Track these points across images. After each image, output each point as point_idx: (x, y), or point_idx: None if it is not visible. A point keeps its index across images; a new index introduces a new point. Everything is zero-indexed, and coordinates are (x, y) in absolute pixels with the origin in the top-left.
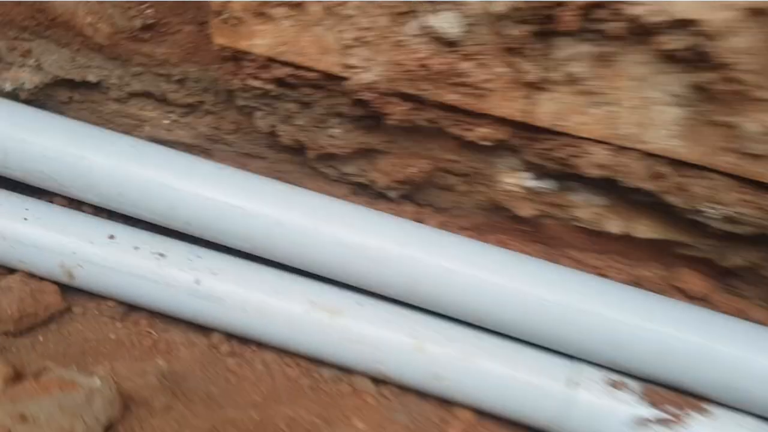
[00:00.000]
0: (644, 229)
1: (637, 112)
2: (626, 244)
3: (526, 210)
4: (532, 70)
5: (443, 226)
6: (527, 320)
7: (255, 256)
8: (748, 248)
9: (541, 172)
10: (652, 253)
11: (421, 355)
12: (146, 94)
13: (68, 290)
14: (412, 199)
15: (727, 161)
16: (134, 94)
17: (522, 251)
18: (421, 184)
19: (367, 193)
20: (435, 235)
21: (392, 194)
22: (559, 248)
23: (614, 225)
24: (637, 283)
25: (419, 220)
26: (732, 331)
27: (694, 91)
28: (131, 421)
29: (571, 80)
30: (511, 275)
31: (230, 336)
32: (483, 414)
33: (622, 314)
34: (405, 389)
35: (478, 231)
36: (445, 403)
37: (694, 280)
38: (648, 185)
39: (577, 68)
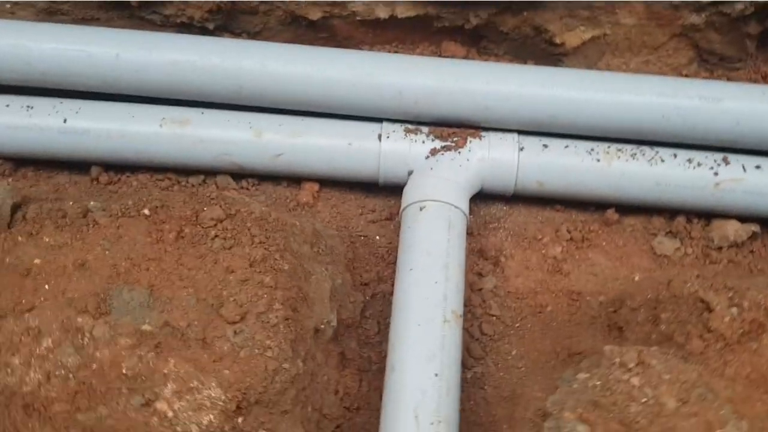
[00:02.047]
0: (402, 9)
1: None
2: (399, 29)
3: (315, 14)
4: None
5: None
6: (336, 95)
7: (108, 95)
8: (476, 7)
9: None
10: (421, 34)
11: (260, 140)
12: None
13: None
14: (229, 29)
15: None
16: None
17: None
18: (230, 11)
19: (192, 32)
20: (246, 44)
21: (210, 26)
22: (354, 46)
23: (382, 11)
24: None
25: None
26: (476, 70)
27: None
28: (31, 205)
29: None
30: (307, 63)
31: (107, 167)
32: (324, 182)
33: (399, 77)
34: (260, 179)
35: None
36: (294, 182)
37: (455, 49)
38: None
39: None
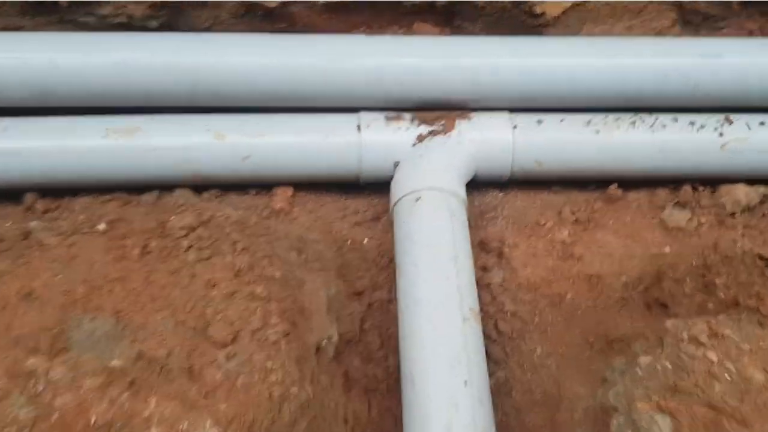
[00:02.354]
0: None
1: None
2: (365, 13)
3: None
4: None
5: None
6: (307, 84)
7: (42, 109)
8: None
9: None
10: (389, 16)
11: (223, 143)
12: None
13: None
14: (174, 27)
15: None
16: None
17: None
18: (175, 6)
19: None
20: (196, 36)
21: (154, 24)
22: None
23: None
24: None
25: None
26: (462, 45)
27: None
28: None
29: None
30: (271, 51)
31: (44, 192)
32: (298, 186)
33: (377, 58)
34: (224, 189)
35: None
36: (264, 189)
37: (428, 30)
38: None
39: None
